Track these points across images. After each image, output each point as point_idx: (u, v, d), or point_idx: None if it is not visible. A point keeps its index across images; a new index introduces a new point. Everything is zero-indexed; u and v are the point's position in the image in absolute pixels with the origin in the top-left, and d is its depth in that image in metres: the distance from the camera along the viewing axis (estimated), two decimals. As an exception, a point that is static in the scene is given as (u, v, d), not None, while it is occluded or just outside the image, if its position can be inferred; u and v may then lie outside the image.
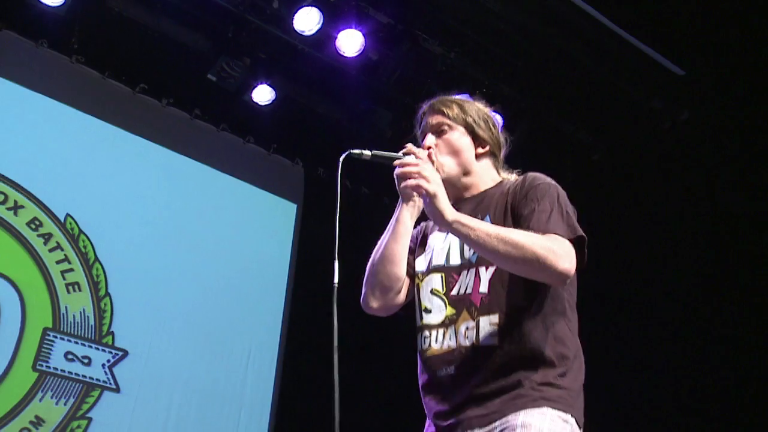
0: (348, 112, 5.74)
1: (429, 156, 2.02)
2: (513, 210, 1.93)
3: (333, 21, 4.91)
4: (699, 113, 5.11)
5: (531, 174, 2.01)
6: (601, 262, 5.26)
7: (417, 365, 2.00)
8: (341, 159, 1.97)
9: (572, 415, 1.78)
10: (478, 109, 2.13)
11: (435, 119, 2.11)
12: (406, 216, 2.02)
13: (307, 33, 4.91)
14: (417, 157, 1.93)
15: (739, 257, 4.79)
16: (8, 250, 4.58)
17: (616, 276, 5.28)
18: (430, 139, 2.09)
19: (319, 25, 4.87)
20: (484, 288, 1.88)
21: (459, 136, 2.08)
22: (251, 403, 5.12)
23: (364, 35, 4.92)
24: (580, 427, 1.81)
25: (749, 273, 4.72)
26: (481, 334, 1.84)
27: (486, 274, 1.89)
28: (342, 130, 5.85)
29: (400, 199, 2.02)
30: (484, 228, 1.80)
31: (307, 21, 4.86)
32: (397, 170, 1.94)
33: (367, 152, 1.99)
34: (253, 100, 5.40)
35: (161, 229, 5.15)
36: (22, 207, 4.68)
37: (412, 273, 2.08)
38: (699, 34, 4.64)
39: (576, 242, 1.83)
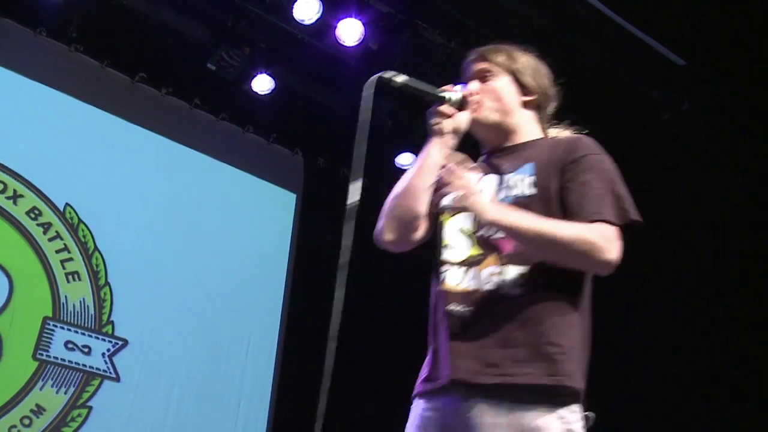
0: (348, 101, 5.72)
1: (470, 99, 1.96)
2: (560, 169, 1.87)
3: (333, 10, 4.89)
4: (700, 103, 5.10)
5: (584, 138, 1.97)
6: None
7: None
8: (371, 80, 1.88)
9: (578, 400, 1.75)
10: (527, 58, 2.07)
11: (479, 65, 2.04)
12: (434, 151, 1.93)
13: (307, 22, 4.90)
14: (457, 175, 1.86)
15: (741, 247, 4.80)
16: (7, 239, 4.58)
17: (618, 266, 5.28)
18: (473, 85, 2.00)
19: (318, 14, 4.85)
20: None
21: (503, 83, 2.01)
22: (250, 393, 5.14)
23: (363, 24, 4.91)
24: (582, 404, 1.77)
25: (752, 263, 4.72)
26: (506, 282, 1.80)
27: None
28: (342, 119, 5.84)
29: (429, 135, 1.95)
30: (526, 222, 1.77)
31: (307, 10, 4.84)
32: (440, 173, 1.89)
33: (400, 79, 1.89)
34: (252, 90, 5.38)
35: (161, 218, 5.15)
36: (21, 196, 4.68)
37: (434, 212, 1.98)
38: (700, 23, 4.62)
39: (626, 227, 1.81)
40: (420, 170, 1.93)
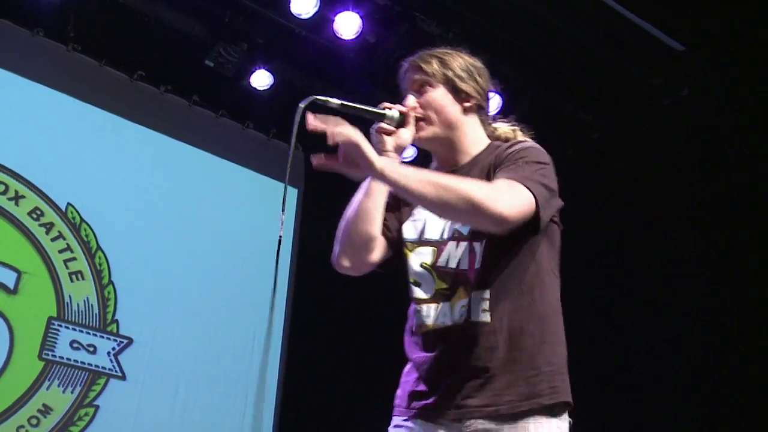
0: (346, 95, 5.65)
1: (410, 115, 1.95)
2: (494, 174, 1.83)
3: (330, 3, 4.88)
4: (699, 89, 5.09)
5: (522, 142, 1.92)
6: (603, 238, 5.26)
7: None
8: (302, 105, 1.89)
9: (563, 408, 1.76)
10: (461, 61, 2.03)
11: (414, 77, 2.02)
12: None
13: (304, 16, 4.88)
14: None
15: (741, 233, 4.79)
16: (10, 240, 4.58)
17: (617, 252, 5.28)
18: (410, 100, 1.99)
19: (316, 8, 4.84)
20: (479, 263, 1.81)
21: (440, 94, 1.98)
22: (257, 388, 5.14)
23: (361, 17, 4.89)
24: (569, 411, 1.78)
25: (751, 248, 4.72)
26: (473, 310, 1.78)
27: (480, 248, 1.82)
28: (341, 113, 5.83)
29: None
30: (415, 174, 1.69)
31: (304, 4, 4.82)
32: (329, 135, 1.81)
33: (335, 100, 1.89)
34: (251, 85, 5.37)
35: (162, 216, 5.16)
36: (23, 197, 4.68)
37: (394, 236, 1.98)
38: (698, 8, 4.61)
39: (535, 196, 1.73)
40: (369, 192, 1.91)
